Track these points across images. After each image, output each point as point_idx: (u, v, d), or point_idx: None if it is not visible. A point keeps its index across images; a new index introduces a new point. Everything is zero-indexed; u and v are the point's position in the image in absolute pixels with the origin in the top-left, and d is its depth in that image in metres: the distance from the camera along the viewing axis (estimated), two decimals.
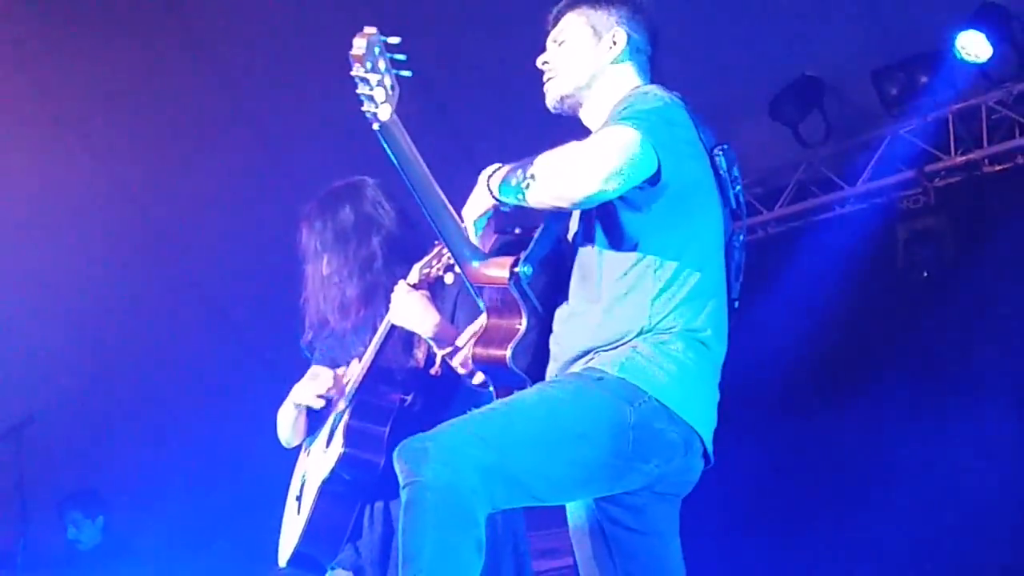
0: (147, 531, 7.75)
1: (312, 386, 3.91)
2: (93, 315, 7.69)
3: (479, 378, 3.02)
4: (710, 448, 2.91)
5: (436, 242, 3.52)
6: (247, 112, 7.32)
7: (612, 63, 3.07)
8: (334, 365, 4.01)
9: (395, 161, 2.80)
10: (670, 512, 2.99)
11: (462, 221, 2.95)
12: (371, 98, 2.68)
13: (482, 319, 2.97)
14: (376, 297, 3.86)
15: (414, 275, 3.59)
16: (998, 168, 6.69)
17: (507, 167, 2.87)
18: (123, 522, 7.58)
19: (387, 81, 2.68)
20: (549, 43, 3.15)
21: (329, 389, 3.89)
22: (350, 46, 2.67)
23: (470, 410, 3.60)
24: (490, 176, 2.91)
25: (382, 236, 3.89)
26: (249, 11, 6.86)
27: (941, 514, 6.31)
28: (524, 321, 2.91)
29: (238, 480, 7.73)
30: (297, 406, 3.97)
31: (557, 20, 3.16)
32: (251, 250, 7.41)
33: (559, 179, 2.73)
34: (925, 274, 6.84)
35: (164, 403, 8.19)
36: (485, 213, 2.94)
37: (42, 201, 7.29)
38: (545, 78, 3.12)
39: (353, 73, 2.65)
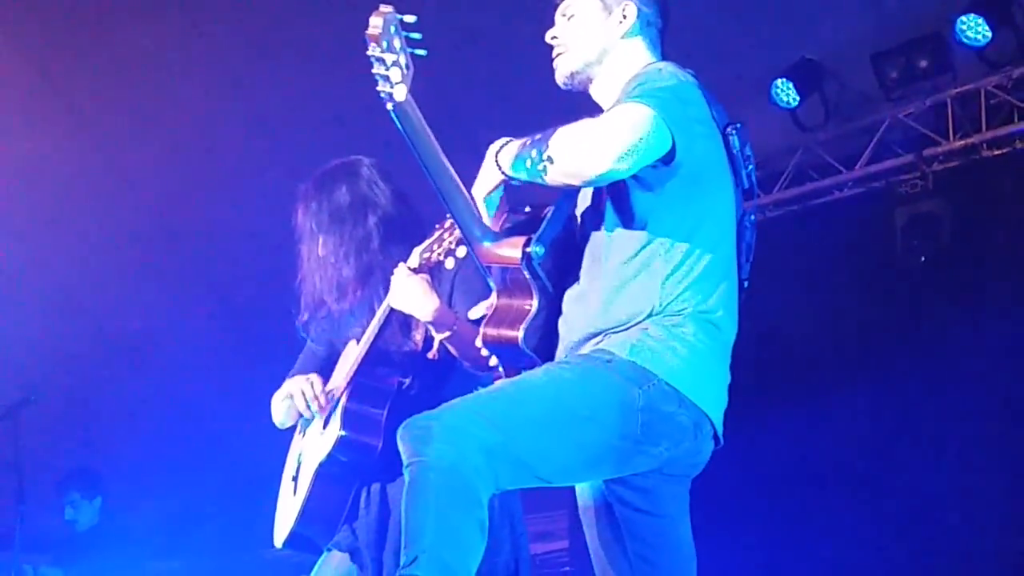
0: (144, 511, 7.75)
1: (302, 395, 3.87)
2: (91, 296, 7.69)
3: (495, 360, 2.98)
4: (720, 430, 2.88)
5: (436, 225, 3.51)
6: (247, 95, 7.29)
7: (623, 38, 3.01)
8: (331, 346, 4.00)
9: (408, 140, 2.76)
10: (680, 493, 2.97)
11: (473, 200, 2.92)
12: (386, 78, 2.64)
13: (492, 299, 2.95)
14: (372, 278, 3.84)
15: (414, 259, 3.56)
16: (997, 153, 6.70)
17: (517, 142, 2.83)
18: (121, 502, 7.58)
19: (402, 60, 2.64)
20: (557, 17, 3.08)
21: (317, 400, 3.86)
22: (359, 25, 2.63)
23: (473, 391, 3.62)
24: (498, 151, 2.86)
25: (378, 216, 3.86)
26: (261, 14, 6.85)
27: (941, 499, 6.32)
28: (535, 302, 2.87)
29: (235, 461, 7.74)
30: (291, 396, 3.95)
31: None
32: (249, 231, 7.39)
33: (572, 156, 2.69)
34: (923, 258, 6.84)
35: (161, 384, 8.19)
36: (496, 189, 2.90)
37: (38, 183, 7.28)
38: (554, 53, 3.06)
39: (369, 53, 2.61)
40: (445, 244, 3.46)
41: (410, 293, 3.53)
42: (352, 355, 3.85)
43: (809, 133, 7.08)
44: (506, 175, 2.84)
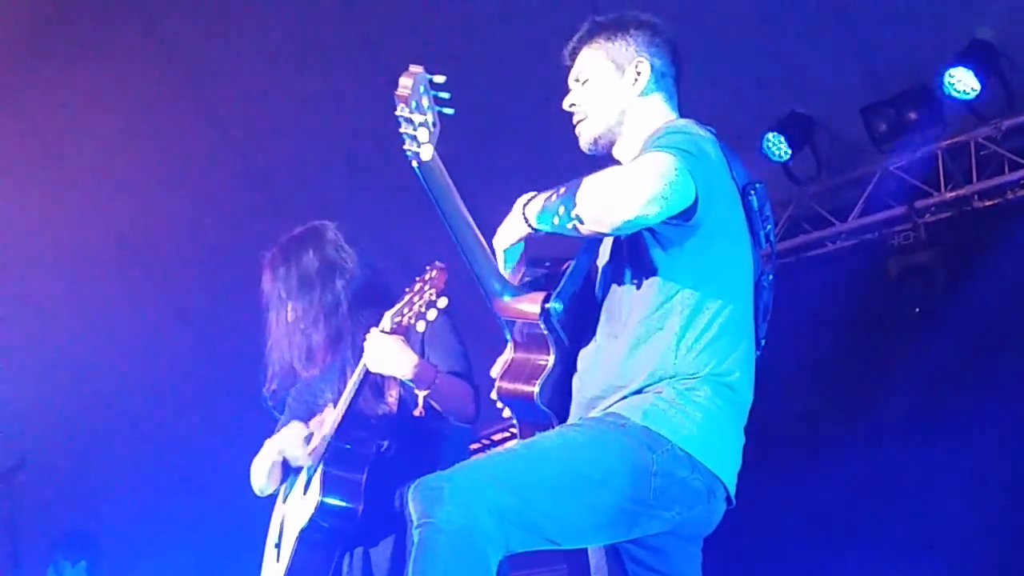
0: (133, 574, 7.69)
1: (296, 442, 3.87)
2: (84, 358, 7.63)
3: (508, 412, 2.97)
4: (733, 492, 2.86)
5: (406, 289, 3.52)
6: (234, 142, 7.31)
7: (640, 96, 2.99)
8: (309, 412, 4.00)
9: (432, 197, 2.76)
10: (692, 552, 2.96)
11: (494, 254, 2.91)
12: (414, 138, 2.63)
13: (508, 353, 2.94)
14: (342, 343, 3.86)
15: (386, 323, 3.56)
16: (988, 203, 6.75)
17: (543, 194, 2.82)
18: (113, 566, 7.51)
19: (430, 119, 2.64)
20: (571, 83, 3.07)
21: (310, 443, 3.86)
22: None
23: (450, 451, 3.61)
24: (526, 204, 2.85)
25: (346, 280, 3.89)
26: (233, 37, 6.87)
27: (937, 545, 6.30)
28: (552, 357, 2.87)
29: (228, 526, 7.67)
30: (279, 452, 3.93)
31: (574, 56, 3.08)
32: (245, 288, 7.36)
33: (599, 204, 2.66)
34: (916, 309, 6.85)
35: (156, 447, 8.14)
36: (518, 242, 2.89)
37: (28, 243, 7.25)
38: (575, 120, 3.04)
39: (397, 113, 2.61)
40: (416, 307, 3.47)
41: (387, 353, 3.55)
42: (328, 419, 3.85)
43: (801, 186, 7.12)
44: (533, 228, 2.83)
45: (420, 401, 3.61)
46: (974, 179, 6.72)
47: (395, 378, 3.71)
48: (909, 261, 6.91)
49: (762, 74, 6.59)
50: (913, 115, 6.60)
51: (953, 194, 6.77)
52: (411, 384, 3.58)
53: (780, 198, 7.19)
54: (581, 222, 2.70)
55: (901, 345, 6.87)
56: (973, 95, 6.35)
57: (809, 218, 7.29)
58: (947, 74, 6.32)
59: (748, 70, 6.58)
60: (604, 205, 2.65)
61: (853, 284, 7.01)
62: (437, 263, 3.45)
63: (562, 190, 2.75)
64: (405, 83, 2.60)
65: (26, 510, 6.74)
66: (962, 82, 6.32)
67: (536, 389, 2.85)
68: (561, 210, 2.72)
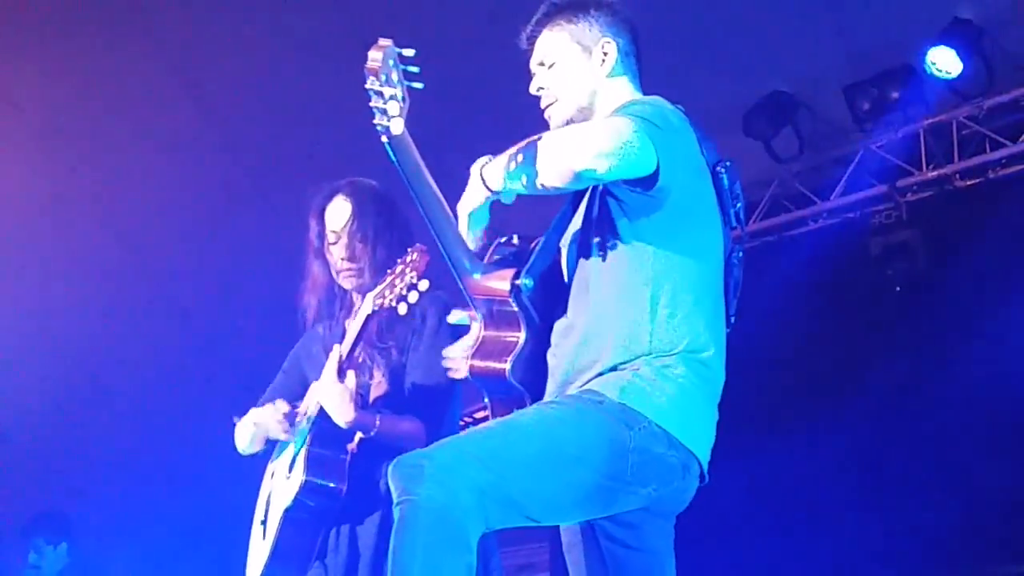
0: (114, 555, 7.67)
1: (272, 423, 3.89)
2: (62, 335, 7.61)
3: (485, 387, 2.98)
4: (706, 469, 2.88)
5: (388, 271, 3.53)
6: (228, 129, 7.27)
7: (608, 77, 3.02)
8: (302, 377, 4.01)
9: (402, 173, 2.77)
10: (666, 529, 2.97)
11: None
12: (384, 111, 2.65)
13: (479, 330, 2.94)
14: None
15: (368, 304, 3.58)
16: (969, 183, 6.78)
17: (500, 156, 2.82)
18: (89, 546, 7.48)
19: (399, 93, 2.65)
20: (535, 67, 3.08)
21: (285, 427, 3.87)
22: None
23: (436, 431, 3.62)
24: (483, 167, 2.85)
25: (394, 241, 3.86)
26: (228, 27, 6.83)
27: (916, 528, 6.34)
28: (522, 334, 2.87)
29: (207, 504, 7.67)
30: (255, 424, 3.96)
31: (533, 40, 3.09)
32: (228, 269, 7.35)
33: (552, 156, 2.68)
34: (898, 288, 6.88)
35: (134, 425, 8.12)
36: (480, 206, 2.89)
37: (7, 217, 7.21)
38: (543, 104, 3.05)
39: (367, 86, 2.62)
40: (397, 290, 3.47)
41: (333, 400, 3.60)
42: (314, 397, 3.83)
43: (783, 165, 7.12)
44: (491, 190, 2.84)
45: (356, 440, 3.70)
46: (956, 158, 6.74)
47: (379, 359, 3.79)
48: (891, 240, 6.93)
49: (744, 53, 6.58)
50: (895, 94, 6.61)
51: (935, 173, 6.80)
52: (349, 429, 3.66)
53: (762, 177, 7.21)
54: (536, 176, 2.72)
55: (882, 324, 6.90)
56: (955, 75, 6.36)
57: (791, 197, 7.30)
58: (929, 53, 6.32)
59: (730, 49, 6.56)
60: (557, 157, 2.68)
61: (835, 263, 7.04)
62: (419, 245, 3.46)
63: (517, 150, 2.77)
64: (374, 56, 2.62)
65: (0, 488, 6.73)
66: (944, 61, 6.33)
67: (508, 366, 2.85)
68: (517, 167, 2.74)
